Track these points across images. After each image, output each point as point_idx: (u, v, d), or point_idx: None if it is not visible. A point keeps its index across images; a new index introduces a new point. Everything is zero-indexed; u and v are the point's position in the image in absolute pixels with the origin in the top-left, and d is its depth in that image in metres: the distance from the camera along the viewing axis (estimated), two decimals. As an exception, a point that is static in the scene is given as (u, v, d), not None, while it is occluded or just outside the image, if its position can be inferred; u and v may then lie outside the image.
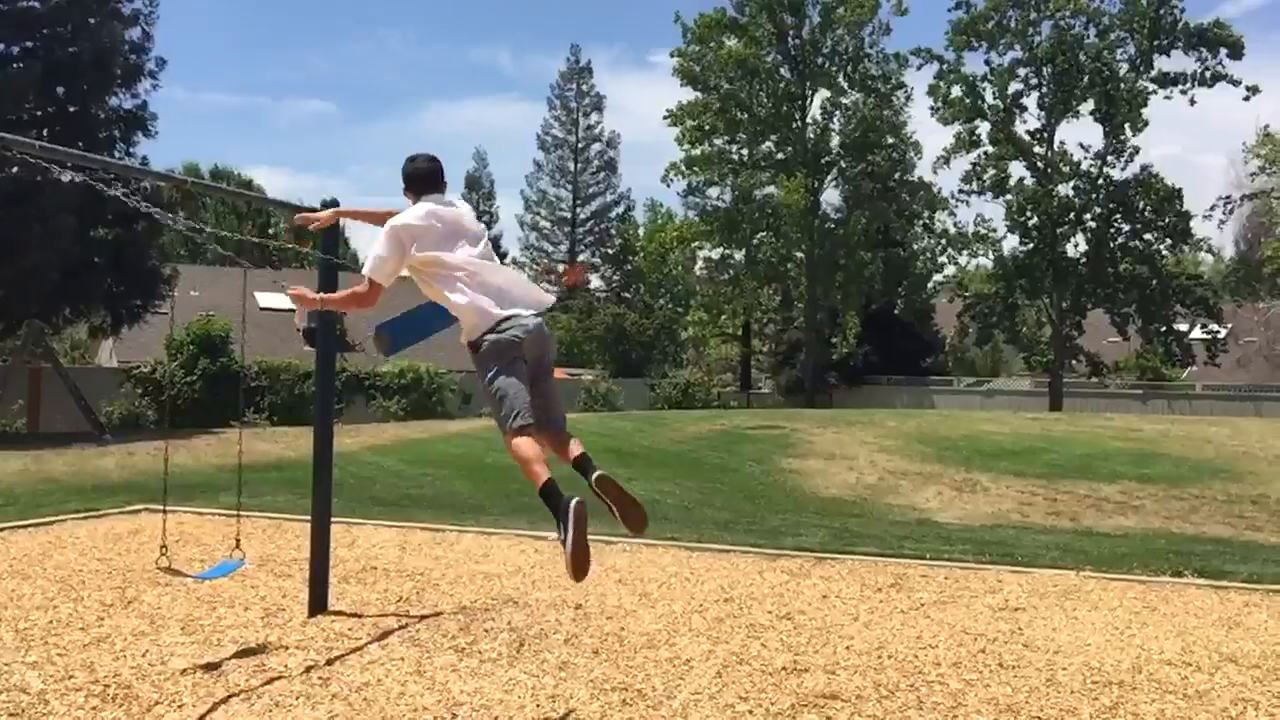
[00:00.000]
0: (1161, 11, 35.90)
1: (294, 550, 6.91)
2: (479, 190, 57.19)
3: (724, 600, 5.76)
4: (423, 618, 5.26)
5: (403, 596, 5.74)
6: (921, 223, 41.30)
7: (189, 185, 6.06)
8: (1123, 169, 37.16)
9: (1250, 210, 39.78)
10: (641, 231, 55.13)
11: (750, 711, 3.90)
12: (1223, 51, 35.72)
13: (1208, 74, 36.04)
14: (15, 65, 19.60)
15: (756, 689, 4.16)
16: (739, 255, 40.87)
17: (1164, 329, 36.69)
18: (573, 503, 3.63)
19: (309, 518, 5.57)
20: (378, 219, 4.56)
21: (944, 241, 40.66)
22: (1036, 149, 38.04)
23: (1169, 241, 37.07)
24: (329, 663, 4.44)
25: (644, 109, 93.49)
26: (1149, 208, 36.60)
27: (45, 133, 18.51)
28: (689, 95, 39.64)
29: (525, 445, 3.85)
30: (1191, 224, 36.60)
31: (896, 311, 41.97)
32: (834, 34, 38.96)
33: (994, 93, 37.69)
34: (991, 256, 39.55)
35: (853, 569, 6.79)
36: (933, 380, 40.38)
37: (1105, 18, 36.95)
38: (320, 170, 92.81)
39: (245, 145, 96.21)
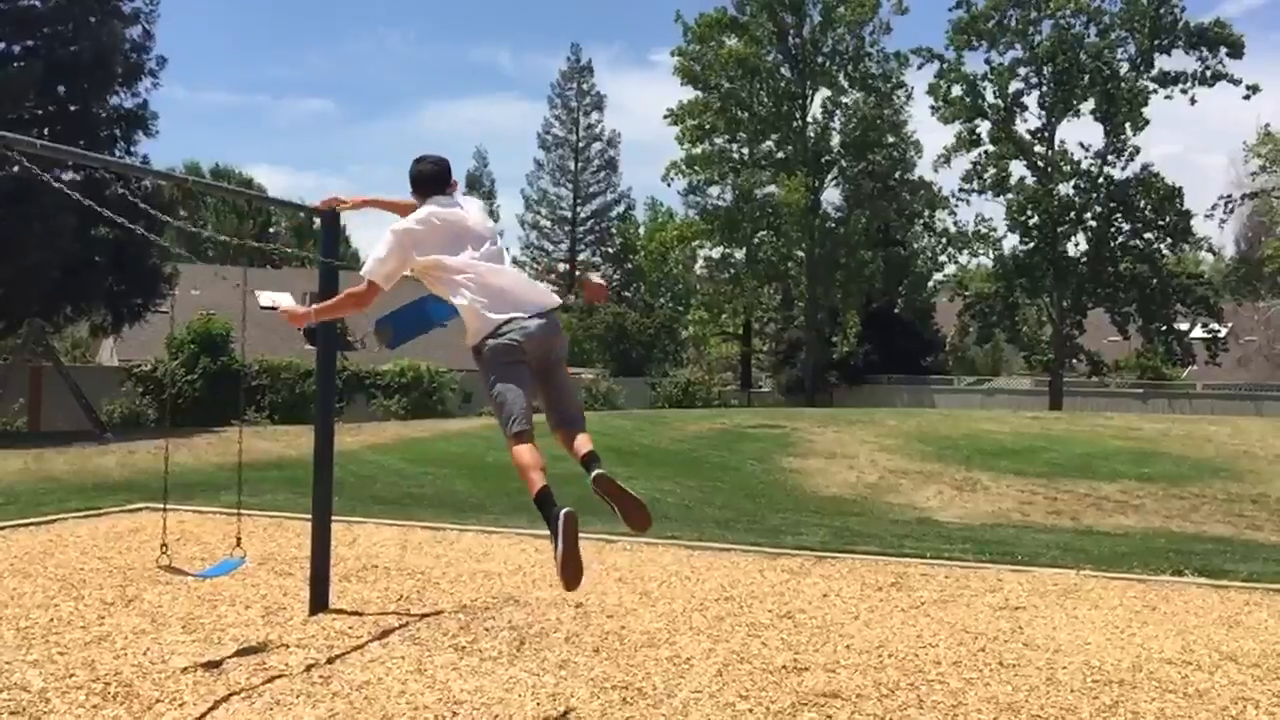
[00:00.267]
0: (1162, 11, 35.90)
1: (295, 549, 6.91)
2: (479, 189, 57.18)
3: (724, 599, 5.76)
4: (423, 616, 5.26)
5: (403, 595, 5.74)
6: (922, 222, 41.33)
7: (190, 184, 6.06)
8: (1123, 168, 37.25)
9: (1251, 209, 39.81)
10: (642, 230, 55.12)
11: (750, 710, 3.90)
12: (1223, 51, 35.73)
13: (1208, 73, 36.06)
14: (16, 64, 19.60)
15: (757, 687, 4.16)
16: (739, 254, 40.90)
17: (1164, 328, 36.69)
18: (562, 514, 3.65)
19: (309, 516, 5.57)
20: (401, 210, 4.56)
21: (944, 240, 40.69)
22: (1037, 148, 38.06)
23: (1169, 241, 37.07)
24: (330, 661, 4.44)
25: (644, 108, 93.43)
26: (1149, 207, 36.61)
27: (46, 131, 18.52)
28: (689, 94, 39.74)
29: (523, 452, 3.88)
30: (1192, 223, 36.69)
31: (897, 311, 41.98)
32: (834, 33, 38.98)
33: (994, 92, 37.73)
34: (992, 256, 39.60)
35: (853, 568, 6.79)
36: (933, 379, 40.39)
37: (1106, 17, 37.01)
38: (320, 169, 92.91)
39: (245, 144, 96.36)
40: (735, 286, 41.06)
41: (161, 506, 5.89)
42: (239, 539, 5.34)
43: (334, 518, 5.68)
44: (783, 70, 39.75)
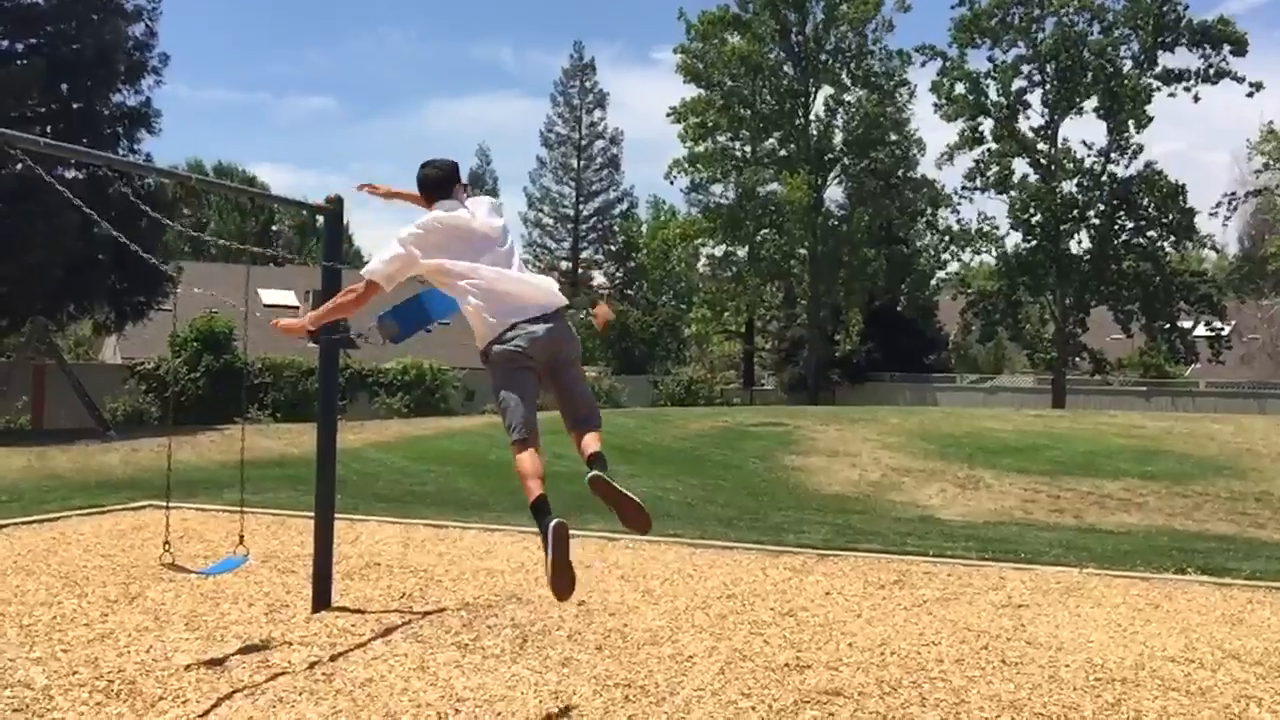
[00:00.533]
0: (1165, 8, 35.82)
1: (297, 546, 6.92)
2: (482, 187, 57.16)
3: (727, 597, 5.76)
4: (426, 614, 5.26)
5: (406, 593, 5.75)
6: (925, 220, 41.27)
7: (194, 182, 6.06)
8: (1126, 166, 37.16)
9: (1254, 207, 39.77)
10: (644, 228, 55.06)
11: (753, 708, 3.90)
12: (1226, 48, 35.64)
13: (1211, 71, 35.97)
14: (19, 62, 19.63)
15: (759, 685, 4.16)
16: (742, 252, 40.85)
17: (1168, 326, 36.65)
18: (552, 525, 3.67)
19: (312, 514, 5.58)
20: (424, 207, 4.56)
21: (947, 238, 40.59)
22: (1040, 146, 37.99)
23: (1173, 238, 37.00)
24: (332, 659, 4.45)
25: (647, 106, 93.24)
26: (1153, 204, 36.53)
27: (49, 129, 18.54)
28: (692, 92, 39.67)
29: (523, 460, 3.91)
30: (1195, 221, 36.57)
31: (899, 308, 41.94)
32: (837, 31, 38.93)
33: (997, 89, 37.65)
34: (995, 253, 39.52)
35: (855, 566, 6.80)
36: (936, 377, 40.37)
37: (1109, 14, 36.92)
38: (322, 167, 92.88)
39: (247, 142, 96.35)
40: (738, 284, 41.03)
41: (164, 504, 5.90)
42: (242, 537, 5.34)
43: (336, 515, 5.69)
44: (785, 68, 39.70)
